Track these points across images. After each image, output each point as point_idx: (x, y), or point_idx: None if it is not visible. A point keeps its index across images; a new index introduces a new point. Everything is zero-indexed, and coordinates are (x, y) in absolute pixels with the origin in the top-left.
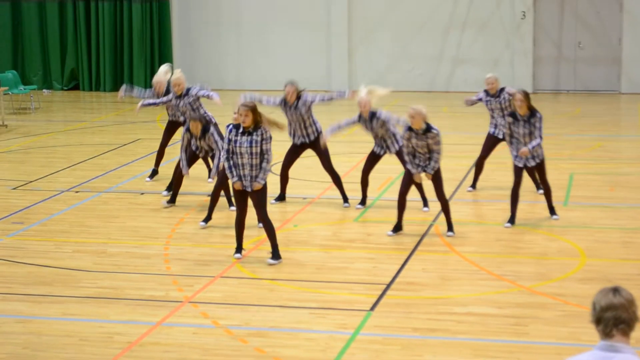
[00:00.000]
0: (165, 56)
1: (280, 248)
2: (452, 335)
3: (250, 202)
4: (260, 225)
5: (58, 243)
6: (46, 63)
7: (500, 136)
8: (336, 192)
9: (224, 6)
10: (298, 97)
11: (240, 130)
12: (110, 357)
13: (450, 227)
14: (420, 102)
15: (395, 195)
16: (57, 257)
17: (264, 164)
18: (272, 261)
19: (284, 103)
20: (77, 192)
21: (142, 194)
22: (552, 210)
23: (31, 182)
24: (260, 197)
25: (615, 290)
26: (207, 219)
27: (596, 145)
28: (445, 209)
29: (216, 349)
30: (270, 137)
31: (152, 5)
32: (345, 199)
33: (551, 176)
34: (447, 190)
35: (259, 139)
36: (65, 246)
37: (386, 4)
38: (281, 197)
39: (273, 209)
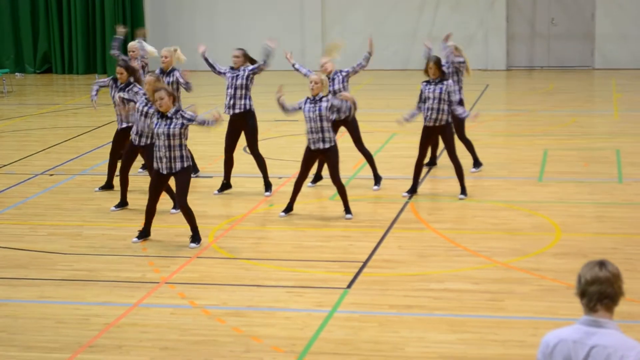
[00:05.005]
0: None
1: (256, 227)
2: (428, 312)
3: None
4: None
5: (33, 226)
6: (18, 46)
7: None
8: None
9: None
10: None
11: (159, 115)
12: (87, 338)
13: (347, 210)
14: (395, 80)
15: (368, 174)
16: (32, 240)
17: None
18: (193, 245)
19: (231, 69)
20: (51, 175)
21: (117, 175)
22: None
23: (5, 165)
24: (183, 181)
25: (602, 263)
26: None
27: (570, 121)
28: (342, 192)
29: (194, 329)
30: (190, 119)
31: None
32: (268, 187)
33: (525, 152)
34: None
35: (178, 122)
36: (40, 229)
37: None
38: (226, 186)
39: (247, 190)
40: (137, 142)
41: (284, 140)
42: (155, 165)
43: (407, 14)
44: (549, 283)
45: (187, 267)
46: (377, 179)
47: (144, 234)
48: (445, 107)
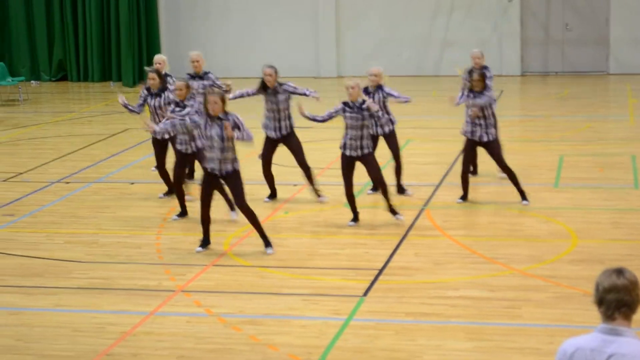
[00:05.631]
0: (152, 46)
1: (271, 235)
2: (445, 319)
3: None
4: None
5: (49, 234)
6: (34, 54)
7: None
8: (325, 178)
9: None
10: (279, 84)
11: (207, 116)
12: (103, 347)
13: (393, 210)
14: (409, 86)
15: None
16: (48, 249)
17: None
18: (270, 250)
19: (264, 87)
20: (67, 183)
21: (133, 183)
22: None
23: (21, 174)
24: (237, 183)
25: (619, 271)
26: (183, 213)
27: (585, 126)
28: (385, 190)
29: (210, 337)
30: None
31: None
32: (318, 194)
33: (541, 158)
34: (438, 173)
35: (231, 123)
36: (56, 237)
37: None
38: (273, 195)
39: (263, 197)
40: (186, 150)
41: None
42: (206, 165)
43: (421, 20)
44: (566, 290)
45: (202, 275)
46: (401, 190)
47: (206, 242)
48: (491, 121)
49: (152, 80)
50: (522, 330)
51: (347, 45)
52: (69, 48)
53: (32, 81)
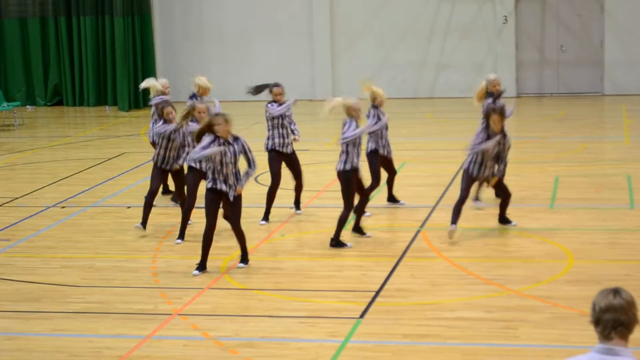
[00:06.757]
0: (148, 69)
1: (268, 258)
2: (442, 341)
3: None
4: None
5: (45, 259)
6: (29, 79)
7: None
8: (322, 201)
9: (205, 18)
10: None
11: (221, 141)
12: None
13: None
14: (405, 108)
15: (382, 202)
16: (44, 273)
17: (249, 170)
18: (242, 265)
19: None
20: (63, 207)
21: (129, 207)
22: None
23: (17, 198)
24: (239, 203)
25: (616, 291)
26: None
27: (581, 147)
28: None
29: None
30: (250, 160)
31: (134, 19)
32: (297, 206)
33: (537, 179)
34: (434, 195)
35: (239, 147)
36: (52, 262)
37: (368, 12)
38: (266, 218)
39: (259, 219)
40: (199, 166)
41: None
42: (211, 185)
43: (416, 43)
44: (562, 310)
45: (199, 299)
46: (393, 200)
47: (202, 266)
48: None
49: (172, 114)
50: (519, 351)
51: (342, 68)
52: (64, 73)
53: (27, 106)
